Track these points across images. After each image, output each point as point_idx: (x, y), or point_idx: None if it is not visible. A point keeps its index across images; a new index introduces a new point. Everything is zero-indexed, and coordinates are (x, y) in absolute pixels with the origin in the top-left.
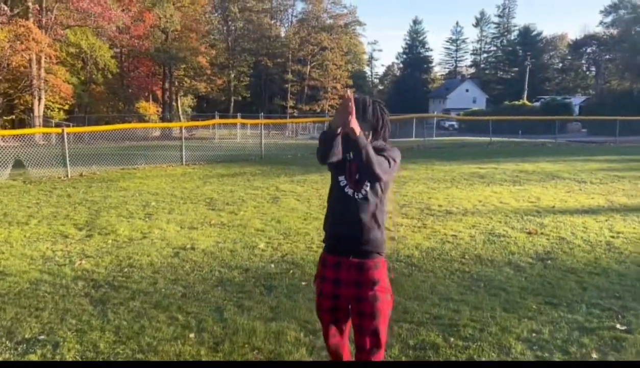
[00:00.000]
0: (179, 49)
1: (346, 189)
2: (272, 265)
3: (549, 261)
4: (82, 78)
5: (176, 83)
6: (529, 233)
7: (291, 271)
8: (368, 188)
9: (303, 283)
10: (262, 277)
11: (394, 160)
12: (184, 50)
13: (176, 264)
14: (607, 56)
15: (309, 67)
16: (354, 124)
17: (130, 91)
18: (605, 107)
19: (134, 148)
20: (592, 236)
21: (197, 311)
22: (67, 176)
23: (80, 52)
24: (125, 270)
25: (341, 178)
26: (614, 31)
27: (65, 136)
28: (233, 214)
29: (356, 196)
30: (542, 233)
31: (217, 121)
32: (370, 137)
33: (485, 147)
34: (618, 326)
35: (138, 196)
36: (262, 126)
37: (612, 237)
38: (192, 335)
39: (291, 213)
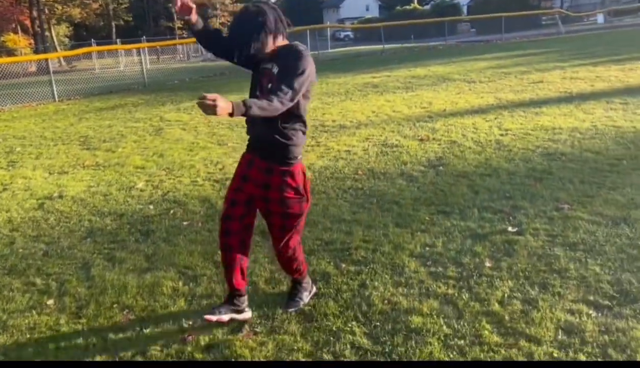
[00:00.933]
0: None
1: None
2: (151, 206)
3: (441, 168)
4: None
5: (46, 10)
6: (421, 140)
7: (172, 211)
8: None
9: (185, 223)
10: (138, 222)
11: (300, 74)
12: None
13: (39, 217)
14: None
15: None
16: (222, 112)
17: None
18: (492, 5)
19: None
20: (482, 137)
21: (59, 272)
22: None
23: None
24: None
25: (253, 87)
26: None
27: None
28: (110, 153)
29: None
30: (433, 139)
31: (88, 49)
32: (271, 42)
33: (379, 55)
34: (510, 228)
35: (1, 141)
36: (145, 51)
37: (501, 135)
38: (50, 302)
39: (176, 145)
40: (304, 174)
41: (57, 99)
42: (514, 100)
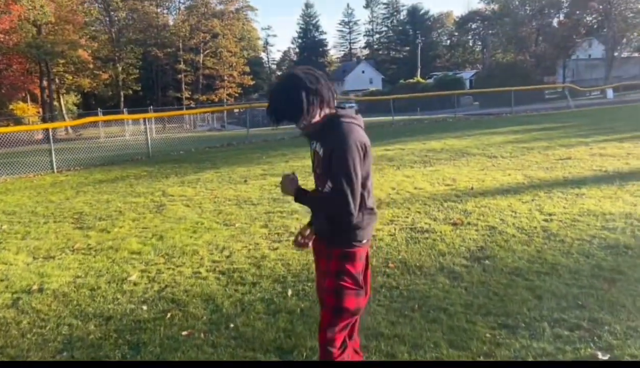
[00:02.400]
0: (54, 43)
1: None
2: (145, 307)
3: (487, 261)
4: None
5: (57, 80)
6: (454, 224)
7: (169, 314)
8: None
9: (184, 334)
10: (128, 329)
11: (346, 168)
12: (61, 44)
13: (10, 319)
14: (491, 31)
15: (202, 55)
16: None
17: (1, 91)
18: (494, 79)
19: None
20: (524, 222)
21: None
22: None
23: None
24: None
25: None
26: (495, 7)
27: None
28: (104, 233)
29: (320, 188)
30: (468, 223)
31: (92, 119)
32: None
33: (389, 127)
34: (599, 355)
35: None
36: (151, 120)
37: (546, 220)
38: None
39: (177, 225)
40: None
41: (55, 170)
42: (546, 178)
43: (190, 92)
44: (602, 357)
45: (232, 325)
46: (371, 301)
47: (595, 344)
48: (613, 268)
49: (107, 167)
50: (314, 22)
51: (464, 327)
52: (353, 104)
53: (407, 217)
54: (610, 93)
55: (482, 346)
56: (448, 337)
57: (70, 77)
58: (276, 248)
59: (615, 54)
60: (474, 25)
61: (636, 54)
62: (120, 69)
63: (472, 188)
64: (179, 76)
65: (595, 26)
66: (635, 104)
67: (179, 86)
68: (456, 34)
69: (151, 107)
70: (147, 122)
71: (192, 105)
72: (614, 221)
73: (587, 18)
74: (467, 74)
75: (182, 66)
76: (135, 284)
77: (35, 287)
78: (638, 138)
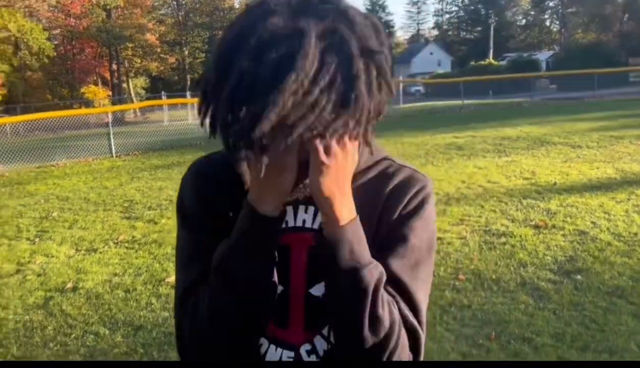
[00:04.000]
0: (123, 27)
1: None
2: None
3: (579, 276)
4: (15, 64)
5: (125, 64)
6: (537, 227)
7: None
8: None
9: None
10: (156, 343)
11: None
12: (129, 27)
13: (36, 323)
14: (571, 10)
15: None
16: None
17: (73, 75)
18: (574, 61)
19: (58, 139)
20: (621, 227)
21: None
22: None
23: (10, 35)
24: None
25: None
26: None
27: None
28: (151, 224)
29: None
30: (553, 227)
31: (147, 103)
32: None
33: (458, 111)
34: None
35: (43, 203)
36: None
37: None
38: None
39: None
40: None
41: (114, 155)
42: None
43: None
44: None
45: None
46: (435, 323)
47: None
48: None
49: (165, 151)
50: (380, 2)
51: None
52: (419, 88)
53: (479, 216)
54: None
55: None
56: None
57: (139, 61)
58: None
59: None
60: (551, 4)
61: None
62: (186, 52)
63: (555, 183)
64: None
65: None
66: None
67: None
68: (532, 13)
69: None
70: None
71: None
72: None
73: None
74: (543, 56)
75: None
76: (172, 287)
77: (69, 285)
78: None
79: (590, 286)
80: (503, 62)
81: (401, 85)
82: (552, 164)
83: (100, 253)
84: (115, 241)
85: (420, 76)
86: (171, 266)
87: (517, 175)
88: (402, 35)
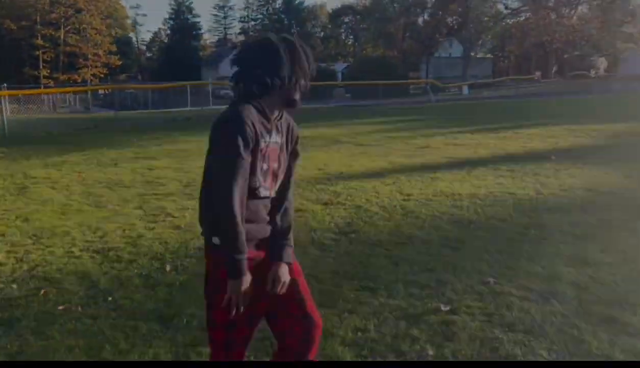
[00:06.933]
0: None
1: None
2: (14, 286)
3: (353, 235)
4: None
5: None
6: (325, 204)
7: (42, 291)
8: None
9: (60, 308)
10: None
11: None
12: None
13: None
14: (363, 25)
15: (62, 31)
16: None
17: None
18: (365, 73)
19: None
20: (386, 201)
21: None
22: None
23: None
24: None
25: None
26: (366, 2)
27: None
28: None
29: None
30: (338, 203)
31: None
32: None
33: None
34: (442, 307)
35: None
36: (5, 99)
37: (404, 200)
38: None
39: (44, 207)
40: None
41: None
42: (406, 164)
43: (49, 71)
44: (444, 308)
45: (110, 298)
46: None
47: (439, 299)
48: (458, 239)
49: None
50: (187, 3)
51: (331, 289)
52: (228, 91)
53: None
54: (465, 90)
55: (347, 304)
56: (318, 299)
57: None
58: (153, 228)
59: (472, 54)
60: (346, 19)
61: (490, 56)
62: None
63: (341, 173)
64: (36, 52)
65: (455, 27)
66: (486, 101)
67: (36, 63)
68: (329, 26)
69: (5, 84)
70: (2, 101)
71: (51, 85)
72: (461, 200)
73: (448, 19)
74: (339, 66)
75: (39, 41)
76: (2, 264)
77: None
78: (486, 130)
79: (360, 240)
80: None
81: (210, 87)
82: (341, 158)
83: None
84: None
85: (228, 79)
86: None
87: (313, 167)
88: (209, 38)
